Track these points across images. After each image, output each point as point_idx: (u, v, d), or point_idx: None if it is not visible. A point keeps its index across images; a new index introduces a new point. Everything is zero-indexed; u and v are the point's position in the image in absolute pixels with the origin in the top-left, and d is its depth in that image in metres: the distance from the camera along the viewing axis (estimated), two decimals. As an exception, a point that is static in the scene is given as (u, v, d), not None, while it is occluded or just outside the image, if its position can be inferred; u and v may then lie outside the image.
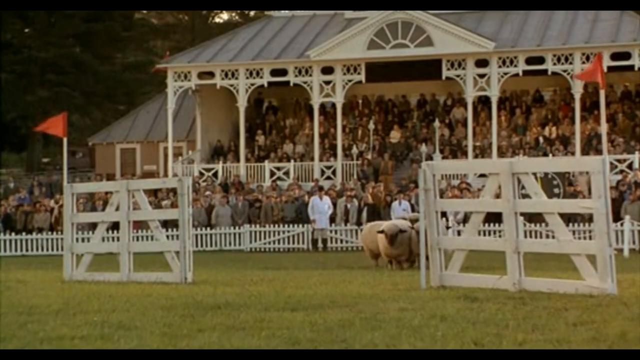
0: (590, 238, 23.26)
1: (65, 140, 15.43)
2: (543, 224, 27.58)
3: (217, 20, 71.87)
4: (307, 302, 8.81)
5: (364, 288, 10.61)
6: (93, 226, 19.07)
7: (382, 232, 17.53)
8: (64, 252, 14.57)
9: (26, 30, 55.71)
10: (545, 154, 35.51)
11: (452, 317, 7.20)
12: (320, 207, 30.25)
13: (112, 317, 7.89)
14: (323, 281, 12.16)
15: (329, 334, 6.52)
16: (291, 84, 38.34)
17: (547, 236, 25.22)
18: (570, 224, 28.58)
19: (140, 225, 24.98)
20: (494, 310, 7.66)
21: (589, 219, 29.00)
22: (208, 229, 31.87)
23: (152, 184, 18.68)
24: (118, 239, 14.29)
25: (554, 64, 36.18)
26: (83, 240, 17.94)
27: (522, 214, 25.47)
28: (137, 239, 21.76)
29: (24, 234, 31.84)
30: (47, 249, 30.83)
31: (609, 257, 9.05)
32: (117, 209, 13.87)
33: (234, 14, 71.03)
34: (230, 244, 31.60)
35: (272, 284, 11.79)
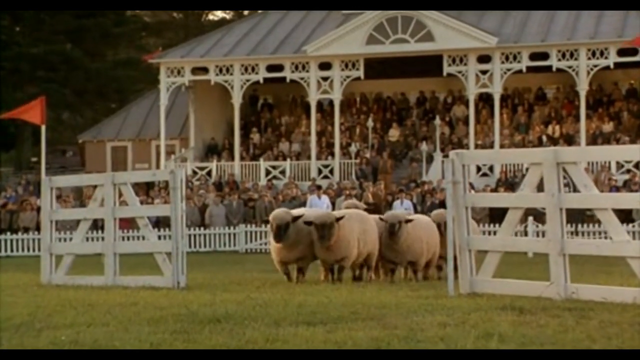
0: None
1: (43, 128, 14.22)
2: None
3: (210, 17, 70.78)
4: (324, 314, 7.53)
5: (384, 295, 9.28)
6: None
7: (310, 223, 12.39)
8: (41, 252, 13.27)
9: (17, 28, 54.51)
10: (549, 153, 34.45)
11: (510, 336, 5.93)
12: (319, 205, 29.08)
13: (85, 334, 6.58)
14: (334, 286, 10.87)
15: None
16: (287, 80, 37.32)
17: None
18: (579, 225, 27.59)
19: (130, 224, 23.75)
20: (556, 325, 6.41)
21: (598, 220, 28.02)
22: (201, 229, 30.82)
23: (140, 177, 17.40)
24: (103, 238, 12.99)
25: (559, 59, 35.15)
26: (65, 240, 16.64)
27: (530, 213, 24.55)
28: (125, 239, 20.57)
29: (8, 233, 30.66)
30: (33, 250, 29.56)
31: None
32: (102, 205, 12.60)
33: (227, 11, 69.91)
34: (224, 244, 30.56)
35: (277, 290, 10.45)
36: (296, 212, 12.82)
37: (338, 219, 12.20)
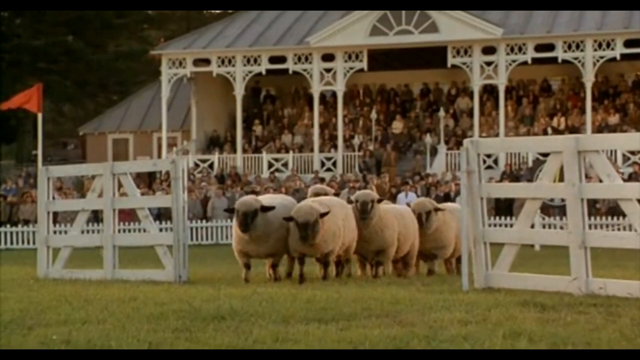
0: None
1: (40, 116, 13.82)
2: (558, 217, 26.10)
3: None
4: (335, 310, 7.12)
5: (395, 290, 8.86)
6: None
7: (290, 219, 10.97)
8: (37, 245, 12.86)
9: (17, 20, 54.11)
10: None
11: (539, 335, 5.54)
12: (322, 199, 28.71)
13: (79, 332, 6.14)
14: (342, 280, 10.45)
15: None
16: (290, 72, 36.94)
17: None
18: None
19: (132, 216, 23.37)
20: (585, 323, 6.04)
21: (606, 212, 27.64)
22: (204, 221, 30.48)
23: (140, 166, 17.01)
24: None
25: (565, 51, 34.77)
26: (63, 232, 16.21)
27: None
28: (125, 231, 20.19)
29: (8, 226, 30.34)
30: (33, 242, 29.14)
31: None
32: (101, 195, 12.20)
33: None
34: (227, 237, 30.13)
35: (284, 284, 10.03)
36: (267, 201, 11.40)
37: (323, 215, 10.80)
